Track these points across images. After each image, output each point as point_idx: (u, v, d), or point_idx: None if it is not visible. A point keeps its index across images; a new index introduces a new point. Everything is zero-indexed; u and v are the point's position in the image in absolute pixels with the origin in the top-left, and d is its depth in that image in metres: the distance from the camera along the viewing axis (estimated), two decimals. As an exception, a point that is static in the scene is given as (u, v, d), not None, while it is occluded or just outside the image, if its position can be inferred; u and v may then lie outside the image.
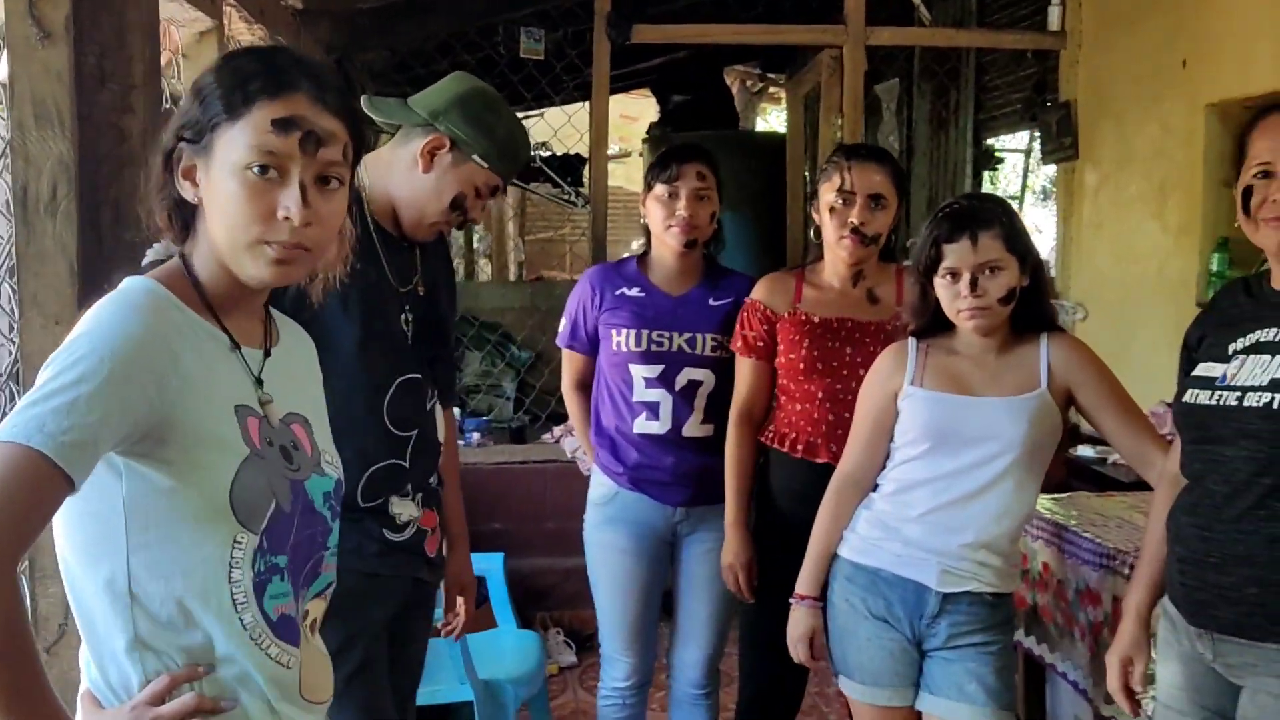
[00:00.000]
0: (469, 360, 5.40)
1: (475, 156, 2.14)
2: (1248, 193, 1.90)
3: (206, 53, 2.48)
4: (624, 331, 2.89)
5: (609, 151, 11.39)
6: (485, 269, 11.70)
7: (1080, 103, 4.86)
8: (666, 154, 2.93)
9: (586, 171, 5.50)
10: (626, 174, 12.65)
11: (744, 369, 2.82)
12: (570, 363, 3.10)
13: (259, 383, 1.44)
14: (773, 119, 12.50)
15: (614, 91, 9.77)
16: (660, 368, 2.87)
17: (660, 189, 2.87)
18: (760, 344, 2.78)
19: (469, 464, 4.80)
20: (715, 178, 2.90)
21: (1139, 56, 4.43)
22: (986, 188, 6.83)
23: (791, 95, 6.66)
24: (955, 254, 2.30)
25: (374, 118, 2.17)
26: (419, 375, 2.27)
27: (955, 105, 6.23)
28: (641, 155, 8.81)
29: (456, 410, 5.02)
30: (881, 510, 2.40)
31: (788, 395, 2.77)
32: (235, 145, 1.32)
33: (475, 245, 11.46)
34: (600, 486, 2.99)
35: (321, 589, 1.53)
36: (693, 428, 2.89)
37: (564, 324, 3.06)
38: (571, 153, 7.63)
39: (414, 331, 2.25)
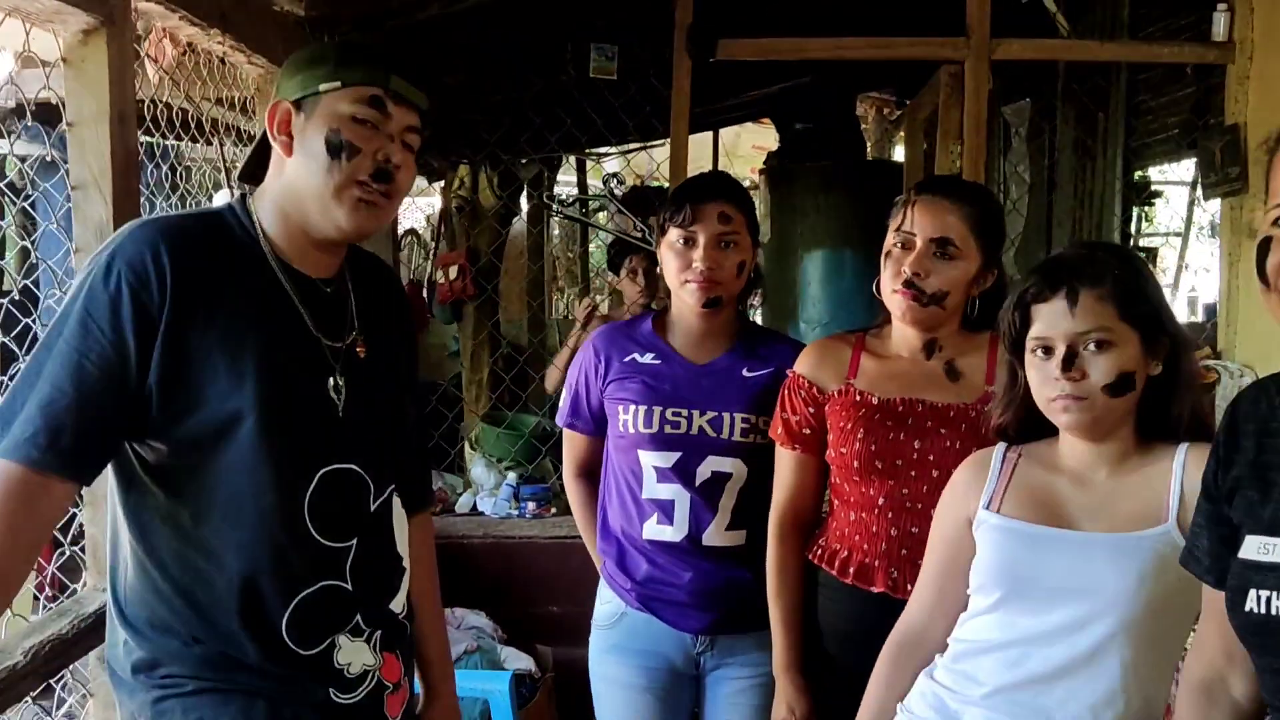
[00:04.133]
0: (521, 422, 4.83)
1: (320, 88, 1.65)
2: (1264, 248, 1.25)
3: (94, 56, 1.98)
4: (632, 408, 2.31)
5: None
6: (604, 304, 11.17)
7: (1249, 125, 4.06)
8: (682, 190, 2.35)
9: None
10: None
11: (786, 463, 2.20)
12: (572, 445, 2.52)
13: None
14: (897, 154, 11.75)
15: (737, 120, 9.34)
16: (676, 455, 2.27)
17: (674, 234, 2.30)
18: (806, 431, 2.15)
19: (524, 538, 4.25)
20: (746, 217, 2.30)
21: (1324, 68, 3.65)
22: (1140, 226, 6.01)
23: (910, 120, 5.97)
24: (1046, 318, 1.64)
25: None
26: (354, 465, 1.72)
27: (1102, 131, 5.44)
28: (757, 188, 8.19)
29: (511, 475, 4.51)
30: (941, 682, 1.75)
31: (841, 499, 2.14)
32: None
33: (593, 279, 10.97)
34: (606, 604, 2.40)
35: None
36: (716, 534, 2.28)
37: (564, 397, 2.48)
38: (646, 183, 7.02)
39: (348, 403, 1.71)
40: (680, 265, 2.29)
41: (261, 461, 1.60)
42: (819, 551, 2.16)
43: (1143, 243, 5.87)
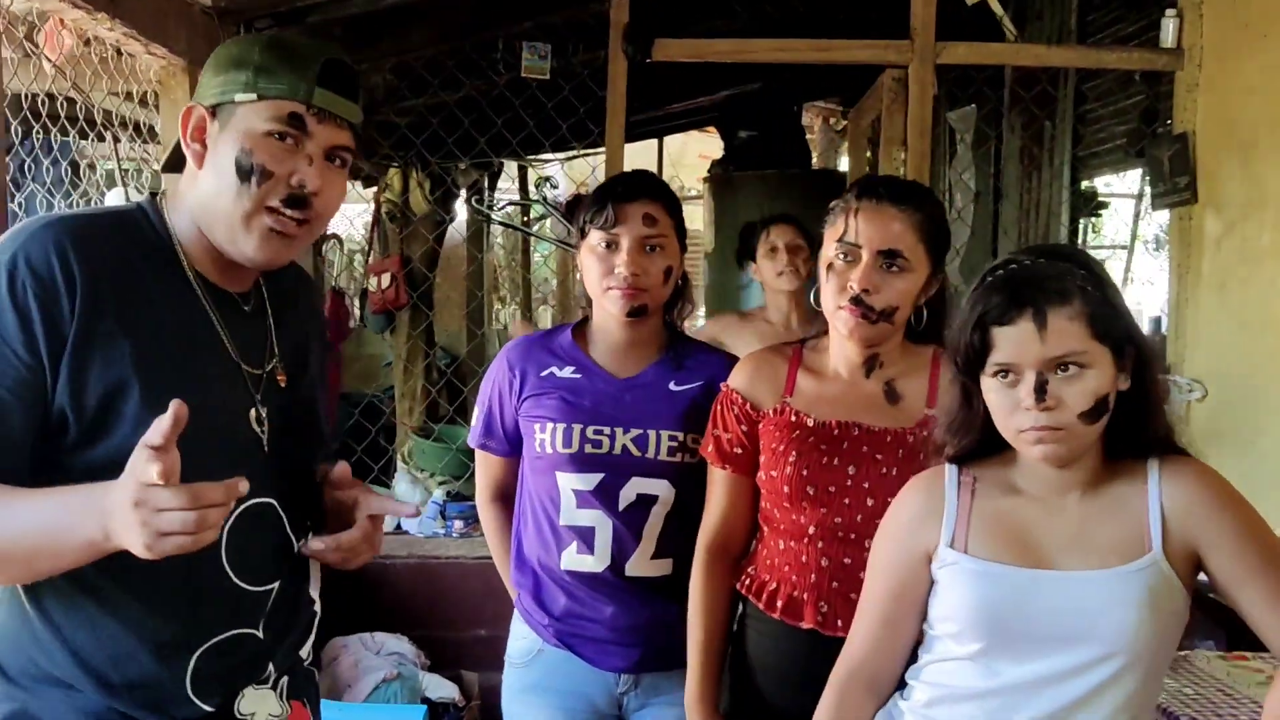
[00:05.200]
0: (451, 434, 4.64)
1: (236, 97, 1.46)
2: None
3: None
4: (549, 426, 2.12)
5: (687, 194, 10.72)
6: (546, 316, 10.99)
7: (1199, 135, 3.96)
8: (603, 189, 2.16)
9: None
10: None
11: (717, 484, 2.03)
12: (485, 467, 2.34)
13: None
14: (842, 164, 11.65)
15: (682, 128, 9.21)
16: (598, 477, 2.09)
17: (595, 237, 2.11)
18: (738, 450, 1.99)
19: (450, 558, 4.05)
20: (673, 220, 2.13)
21: (1275, 76, 3.54)
22: (1087, 237, 5.91)
23: (853, 127, 5.85)
24: (1012, 343, 1.48)
25: None
26: (273, 500, 1.54)
27: (1049, 139, 5.34)
28: (701, 197, 8.05)
29: (437, 492, 4.31)
30: None
31: (770, 526, 1.97)
32: None
33: (535, 289, 10.77)
34: (521, 640, 2.21)
35: None
36: (641, 564, 2.10)
37: (476, 415, 2.29)
38: (581, 192, 6.86)
39: (271, 436, 1.54)
40: (602, 271, 2.10)
41: None
42: (747, 582, 1.99)
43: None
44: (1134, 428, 1.55)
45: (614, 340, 2.17)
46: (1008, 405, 1.51)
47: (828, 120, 10.33)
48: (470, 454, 4.44)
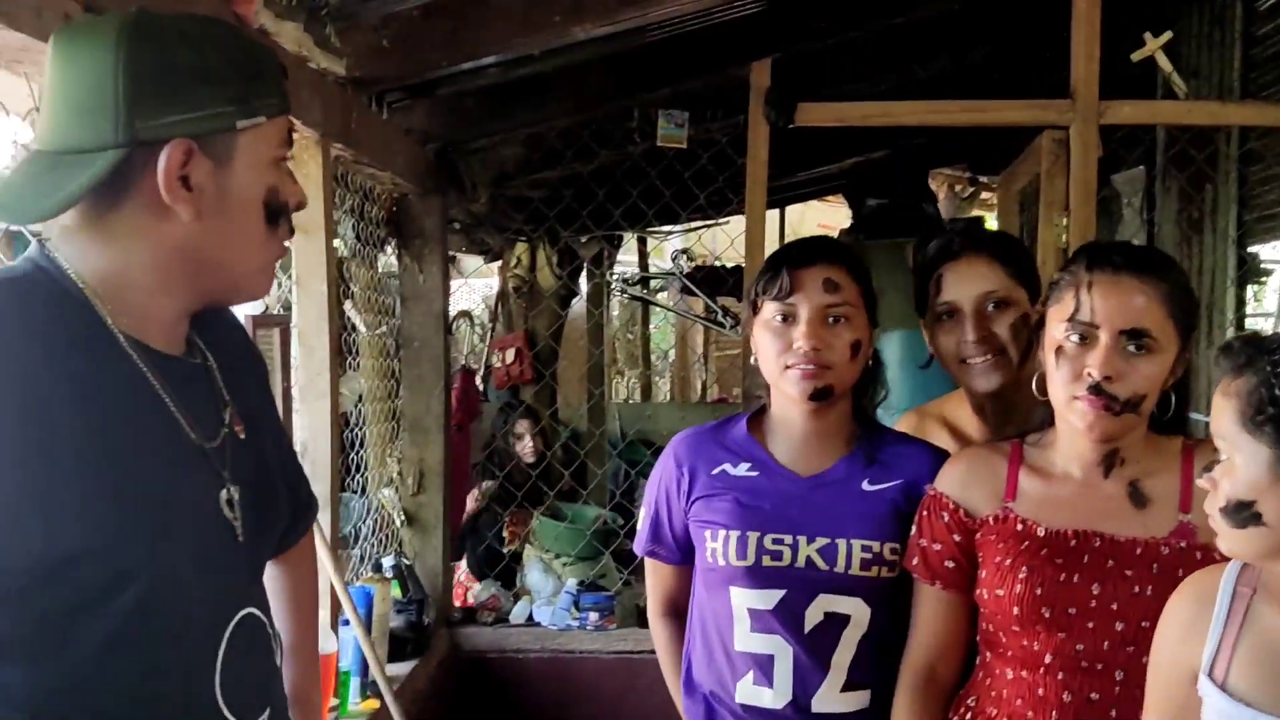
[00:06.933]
0: (581, 517, 4.42)
1: (239, 123, 1.20)
2: None
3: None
4: (721, 534, 1.86)
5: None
6: (663, 388, 10.80)
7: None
8: (778, 255, 1.89)
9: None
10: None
11: (926, 602, 1.77)
12: (655, 577, 2.08)
13: None
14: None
15: (804, 197, 9.01)
16: (778, 595, 1.82)
17: (770, 310, 1.85)
18: (950, 564, 1.72)
19: (585, 652, 3.83)
20: (860, 287, 1.86)
21: None
22: (1252, 308, 5.53)
23: (1004, 193, 5.57)
24: None
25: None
26: (258, 609, 1.30)
27: (1212, 203, 4.99)
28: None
29: (570, 581, 4.08)
30: None
31: (995, 651, 1.70)
32: None
33: (654, 362, 10.60)
34: None
35: None
36: (830, 698, 1.82)
37: (642, 518, 2.04)
38: (719, 264, 6.66)
39: (245, 519, 1.27)
40: (779, 348, 1.83)
41: (160, 634, 1.16)
42: (966, 714, 1.72)
43: (1247, 323, 5.42)
44: None
45: (795, 431, 1.91)
46: None
47: (953, 187, 10.04)
48: (603, 537, 4.27)
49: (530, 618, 3.99)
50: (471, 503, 4.76)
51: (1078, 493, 1.67)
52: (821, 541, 1.81)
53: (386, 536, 3.88)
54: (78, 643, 1.11)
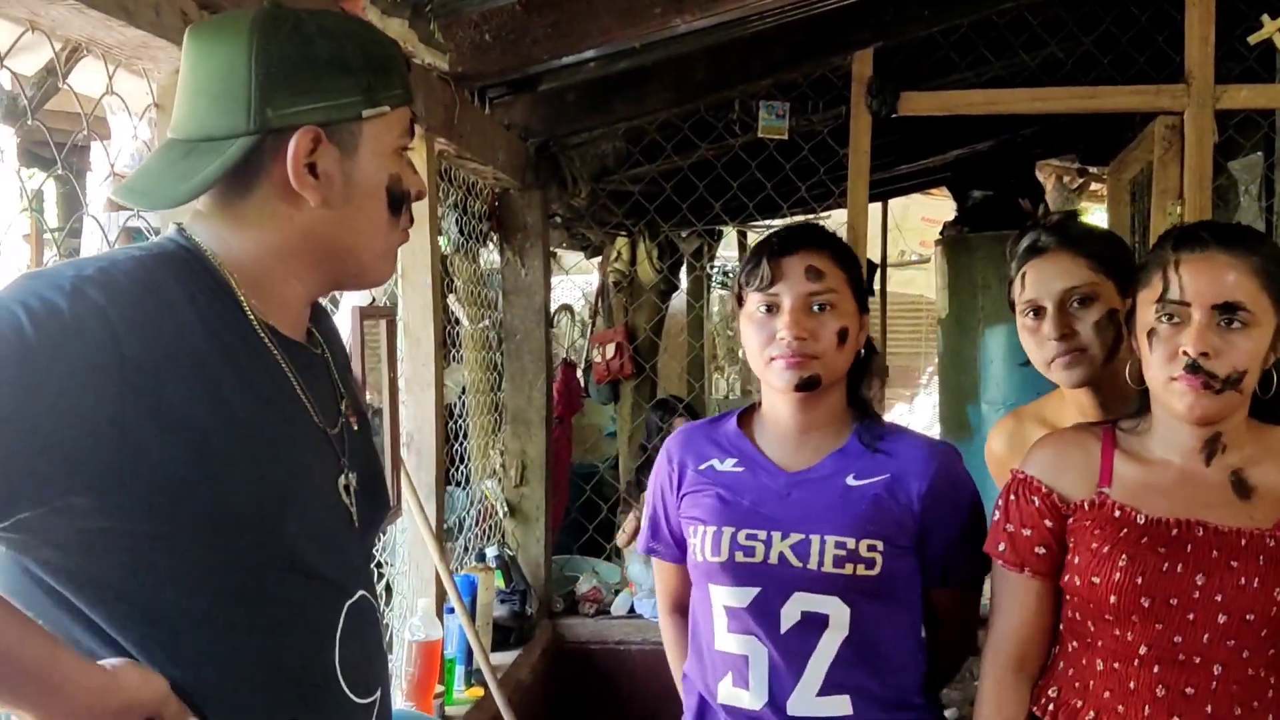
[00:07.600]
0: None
1: (365, 113, 1.22)
2: None
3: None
4: (700, 530, 1.82)
5: (908, 258, 10.36)
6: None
7: None
8: (759, 246, 1.84)
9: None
10: (929, 282, 11.51)
11: (1011, 590, 1.72)
12: (660, 576, 2.06)
13: None
14: (1095, 220, 11.06)
15: (907, 190, 8.90)
16: (753, 592, 1.77)
17: (754, 301, 1.80)
18: (1041, 550, 1.69)
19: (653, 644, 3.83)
20: (846, 273, 1.80)
21: None
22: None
23: (1114, 182, 5.45)
24: None
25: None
26: (367, 593, 1.32)
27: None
28: (926, 261, 7.72)
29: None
30: None
31: (1081, 641, 1.66)
32: None
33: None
34: None
35: None
36: (805, 701, 1.76)
37: (644, 517, 2.02)
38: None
39: (359, 506, 1.31)
40: (763, 339, 1.77)
41: (294, 610, 1.20)
42: (1048, 705, 1.69)
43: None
44: None
45: (784, 424, 1.84)
46: None
47: (1060, 179, 9.83)
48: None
49: (632, 609, 4.04)
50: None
51: (1177, 481, 1.62)
52: (795, 537, 1.76)
53: (490, 527, 3.95)
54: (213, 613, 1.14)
